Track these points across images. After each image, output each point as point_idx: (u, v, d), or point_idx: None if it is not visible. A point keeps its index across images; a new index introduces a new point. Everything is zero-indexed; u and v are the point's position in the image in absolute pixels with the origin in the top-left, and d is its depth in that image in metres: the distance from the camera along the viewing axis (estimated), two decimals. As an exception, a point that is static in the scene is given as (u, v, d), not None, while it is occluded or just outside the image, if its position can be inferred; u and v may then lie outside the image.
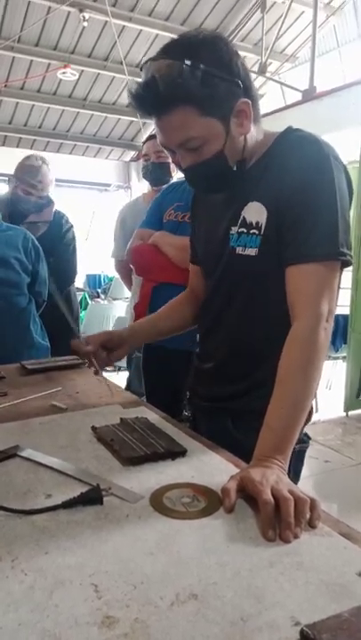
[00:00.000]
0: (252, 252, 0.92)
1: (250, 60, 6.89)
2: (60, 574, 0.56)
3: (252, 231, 0.92)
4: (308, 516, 0.66)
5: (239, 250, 0.94)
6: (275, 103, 6.79)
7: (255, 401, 0.86)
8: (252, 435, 0.86)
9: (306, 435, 1.03)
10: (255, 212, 0.92)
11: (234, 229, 0.96)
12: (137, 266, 1.85)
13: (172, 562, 0.58)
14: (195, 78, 0.80)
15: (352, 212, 3.73)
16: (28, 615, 0.50)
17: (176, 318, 1.18)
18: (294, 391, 0.81)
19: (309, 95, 5.32)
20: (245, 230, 0.93)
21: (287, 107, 5.89)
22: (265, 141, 0.95)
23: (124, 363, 2.99)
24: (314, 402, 1.03)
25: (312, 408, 1.01)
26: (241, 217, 0.94)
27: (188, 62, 0.79)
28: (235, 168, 0.91)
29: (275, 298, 0.93)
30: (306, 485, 1.06)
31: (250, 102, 0.88)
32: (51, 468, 0.81)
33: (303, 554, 0.60)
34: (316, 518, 0.66)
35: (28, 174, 2.26)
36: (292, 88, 5.89)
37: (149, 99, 0.83)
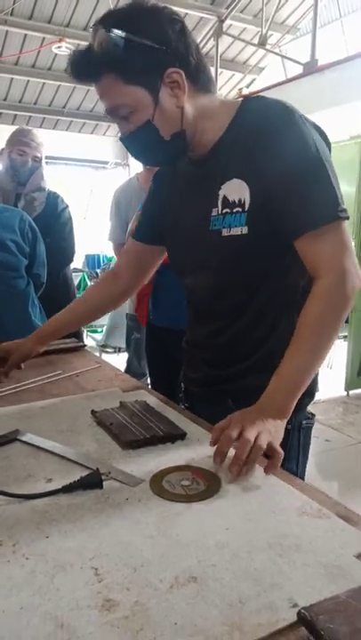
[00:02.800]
0: (237, 230, 0.90)
1: (250, 31, 6.71)
2: (60, 558, 0.57)
3: (235, 210, 0.90)
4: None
5: (225, 232, 0.91)
6: (276, 76, 6.65)
7: (256, 379, 0.87)
8: None
9: (311, 413, 1.04)
10: (236, 190, 0.89)
11: (215, 211, 0.93)
12: None
13: (171, 544, 0.59)
14: (116, 45, 0.81)
15: (354, 189, 3.69)
16: (30, 599, 0.51)
17: (91, 313, 1.27)
18: (311, 344, 0.83)
19: (311, 68, 5.20)
20: (229, 210, 0.91)
21: (288, 80, 5.76)
22: (225, 114, 0.92)
23: (123, 344, 2.99)
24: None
25: (316, 386, 1.03)
26: (221, 197, 0.91)
27: (113, 30, 0.81)
28: (169, 139, 0.89)
29: (271, 276, 0.92)
30: (307, 464, 1.08)
31: (182, 72, 0.86)
32: (51, 452, 0.82)
33: (302, 536, 0.60)
34: (272, 467, 0.73)
35: (20, 135, 2.27)
36: (293, 61, 5.75)
37: (79, 66, 0.86)
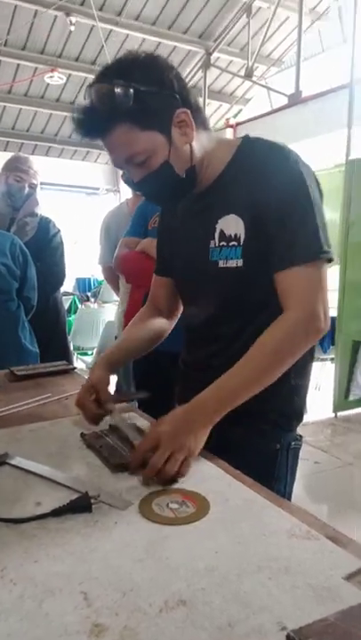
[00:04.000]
0: (233, 263, 0.95)
1: (236, 64, 6.93)
2: (49, 583, 0.56)
3: (231, 243, 0.95)
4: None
5: (221, 263, 0.96)
6: (261, 107, 6.84)
7: (249, 402, 0.88)
8: (247, 434, 0.95)
9: (299, 435, 1.05)
10: (232, 225, 0.94)
11: (213, 243, 0.98)
12: (127, 273, 1.86)
13: (160, 568, 0.59)
14: (127, 96, 0.85)
15: (338, 215, 3.78)
16: (18, 624, 0.50)
17: (149, 340, 1.17)
18: (261, 370, 0.88)
19: (295, 99, 5.37)
20: (225, 243, 0.96)
21: (274, 111, 5.94)
22: (225, 151, 0.98)
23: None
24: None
25: (304, 407, 1.05)
26: (218, 230, 0.96)
27: (118, 83, 0.85)
28: (184, 176, 0.94)
29: (267, 306, 0.94)
30: (296, 486, 1.08)
31: (188, 111, 0.91)
32: (40, 475, 0.81)
33: (291, 558, 0.60)
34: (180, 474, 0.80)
35: (17, 162, 2.32)
36: (278, 92, 5.94)
37: (90, 123, 0.89)
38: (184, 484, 0.79)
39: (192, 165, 0.94)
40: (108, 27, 6.18)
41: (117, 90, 0.84)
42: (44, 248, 2.34)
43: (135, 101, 0.85)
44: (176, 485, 0.78)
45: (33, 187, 2.33)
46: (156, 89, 0.87)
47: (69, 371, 1.51)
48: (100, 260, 2.54)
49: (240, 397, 0.87)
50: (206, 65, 6.68)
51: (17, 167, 2.29)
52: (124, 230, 1.94)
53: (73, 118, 0.88)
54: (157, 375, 1.67)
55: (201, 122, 0.95)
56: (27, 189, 2.30)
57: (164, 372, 1.62)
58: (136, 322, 1.20)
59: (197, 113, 0.94)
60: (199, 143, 0.95)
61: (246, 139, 0.99)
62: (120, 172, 2.37)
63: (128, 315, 1.77)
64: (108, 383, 1.06)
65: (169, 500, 0.74)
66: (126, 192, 8.61)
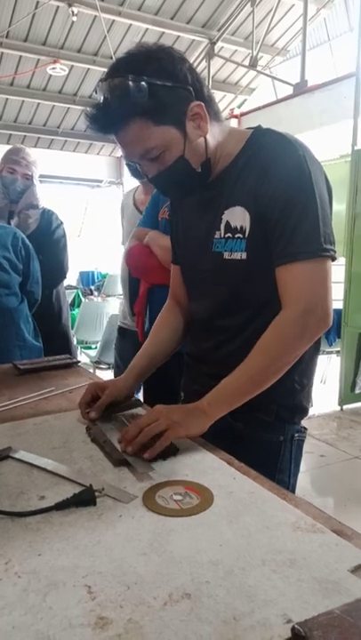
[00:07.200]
0: (237, 255, 0.94)
1: (241, 53, 6.87)
2: (53, 576, 0.56)
3: (237, 235, 0.94)
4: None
5: (226, 255, 0.95)
6: (266, 97, 6.79)
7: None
8: (250, 426, 0.95)
9: (303, 427, 1.05)
10: (238, 217, 0.94)
11: (218, 234, 0.97)
12: (131, 267, 1.83)
13: (165, 561, 0.58)
14: (141, 91, 0.83)
15: (344, 206, 3.75)
16: (22, 618, 0.50)
17: (172, 340, 1.15)
18: (255, 370, 0.88)
19: (301, 89, 5.33)
20: (231, 235, 0.95)
21: (279, 100, 5.90)
22: (236, 142, 0.97)
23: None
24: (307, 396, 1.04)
25: (309, 401, 1.05)
26: (224, 222, 0.96)
27: (132, 78, 0.83)
28: (199, 170, 0.93)
29: (272, 299, 0.93)
30: (302, 480, 1.08)
31: (203, 104, 0.90)
32: (44, 469, 0.81)
33: (295, 551, 0.60)
34: (150, 451, 0.82)
35: (11, 153, 2.29)
36: (283, 82, 5.89)
37: (104, 119, 0.87)
38: (189, 477, 0.78)
39: (207, 158, 0.93)
40: (111, 17, 6.14)
41: (131, 85, 0.82)
42: (47, 240, 2.33)
43: (149, 96, 0.84)
44: (178, 477, 0.78)
45: (28, 178, 2.29)
46: (169, 83, 0.86)
47: (73, 365, 1.51)
48: (123, 242, 2.45)
49: (239, 401, 0.89)
50: (210, 55, 6.64)
51: (10, 159, 2.26)
52: (131, 214, 1.90)
53: (86, 113, 0.87)
54: (161, 374, 1.62)
55: (214, 113, 0.94)
56: (20, 181, 2.27)
57: (168, 371, 1.56)
58: (157, 324, 1.19)
59: (210, 105, 0.93)
60: (213, 135, 0.94)
61: (257, 130, 0.97)
62: (124, 163, 2.27)
63: (137, 307, 1.74)
64: (119, 392, 1.04)
65: (172, 491, 0.73)
66: (129, 184, 8.58)
